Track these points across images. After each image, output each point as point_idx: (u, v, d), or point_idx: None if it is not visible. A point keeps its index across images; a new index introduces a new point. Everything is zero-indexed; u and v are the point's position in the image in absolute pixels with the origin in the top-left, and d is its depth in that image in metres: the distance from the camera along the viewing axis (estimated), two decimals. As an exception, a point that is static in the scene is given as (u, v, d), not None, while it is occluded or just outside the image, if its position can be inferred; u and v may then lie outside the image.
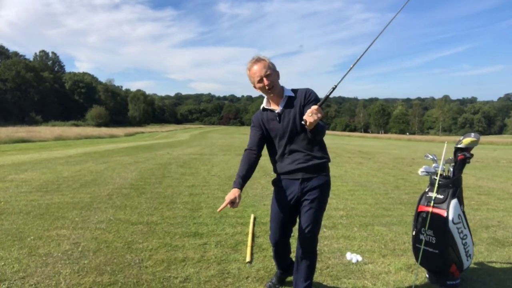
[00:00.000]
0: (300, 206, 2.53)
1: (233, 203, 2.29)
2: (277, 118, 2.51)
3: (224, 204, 2.28)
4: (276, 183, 2.65)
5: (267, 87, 2.45)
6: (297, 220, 2.61)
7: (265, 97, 2.58)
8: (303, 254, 2.54)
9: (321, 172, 2.51)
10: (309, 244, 2.52)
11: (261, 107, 2.61)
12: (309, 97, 2.46)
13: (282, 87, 2.55)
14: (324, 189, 2.52)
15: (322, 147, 2.54)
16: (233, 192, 2.32)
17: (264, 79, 2.43)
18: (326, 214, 5.12)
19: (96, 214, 4.96)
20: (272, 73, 2.46)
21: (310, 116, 2.16)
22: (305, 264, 2.55)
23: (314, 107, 2.18)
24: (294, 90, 2.54)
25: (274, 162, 2.62)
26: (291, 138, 2.49)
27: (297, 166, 2.49)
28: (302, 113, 2.40)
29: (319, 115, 2.17)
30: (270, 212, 2.72)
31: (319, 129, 2.30)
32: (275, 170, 2.64)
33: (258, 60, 2.48)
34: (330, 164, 2.60)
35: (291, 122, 2.46)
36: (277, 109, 2.51)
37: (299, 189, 2.50)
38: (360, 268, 3.33)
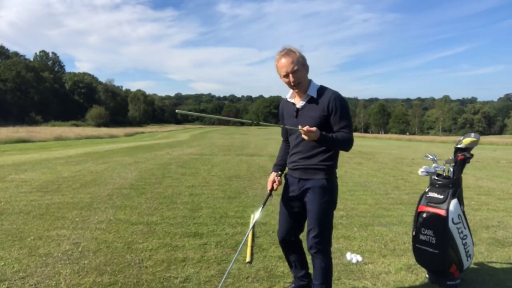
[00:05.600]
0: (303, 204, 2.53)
1: (274, 181, 2.58)
2: (295, 113, 2.45)
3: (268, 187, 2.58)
4: (285, 176, 2.66)
5: (292, 84, 2.35)
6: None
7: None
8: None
9: (316, 176, 2.41)
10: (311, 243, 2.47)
11: (286, 97, 2.56)
12: (332, 109, 2.33)
13: (310, 82, 2.44)
14: (318, 191, 2.39)
15: (327, 153, 2.40)
16: (272, 175, 2.62)
17: (290, 75, 2.32)
18: (326, 214, 5.14)
19: (96, 214, 4.96)
20: (300, 69, 2.33)
21: (304, 134, 2.20)
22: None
23: (306, 128, 2.17)
24: (321, 89, 2.41)
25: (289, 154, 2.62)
26: (299, 137, 2.39)
27: (296, 165, 2.50)
28: (321, 122, 2.32)
29: (306, 137, 2.20)
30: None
31: (322, 143, 2.29)
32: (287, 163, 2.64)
33: (287, 53, 2.33)
34: None
35: (306, 123, 2.29)
36: (298, 104, 2.45)
37: (297, 188, 2.49)
38: (360, 268, 3.33)
